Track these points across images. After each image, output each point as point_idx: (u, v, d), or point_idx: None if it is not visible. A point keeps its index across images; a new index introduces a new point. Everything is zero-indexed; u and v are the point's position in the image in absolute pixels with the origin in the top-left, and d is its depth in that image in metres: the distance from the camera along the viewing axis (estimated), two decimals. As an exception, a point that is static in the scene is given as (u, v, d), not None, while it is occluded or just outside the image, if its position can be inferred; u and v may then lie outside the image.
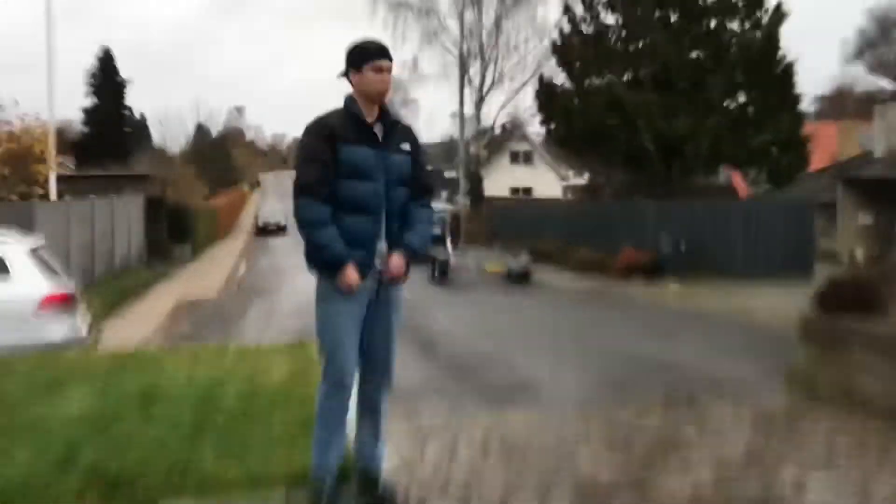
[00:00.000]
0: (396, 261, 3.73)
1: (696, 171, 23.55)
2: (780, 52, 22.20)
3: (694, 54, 22.46)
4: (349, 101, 3.77)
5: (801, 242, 19.22)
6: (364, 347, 3.87)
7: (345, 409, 3.85)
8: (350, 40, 3.85)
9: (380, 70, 3.71)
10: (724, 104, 22.43)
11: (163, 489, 3.88)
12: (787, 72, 22.37)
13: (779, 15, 21.93)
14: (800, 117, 23.14)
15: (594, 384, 7.29)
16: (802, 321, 7.01)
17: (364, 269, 3.71)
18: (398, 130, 3.85)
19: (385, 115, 3.81)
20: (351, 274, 3.61)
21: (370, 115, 3.75)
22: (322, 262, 3.66)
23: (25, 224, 11.86)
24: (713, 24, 22.41)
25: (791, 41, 41.33)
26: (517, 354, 9.08)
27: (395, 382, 4.04)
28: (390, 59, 3.77)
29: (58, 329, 8.26)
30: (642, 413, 5.95)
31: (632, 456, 4.87)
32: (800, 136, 22.50)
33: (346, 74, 3.80)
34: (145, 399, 5.30)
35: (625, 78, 22.78)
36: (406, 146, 3.84)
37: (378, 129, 3.75)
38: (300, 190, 3.65)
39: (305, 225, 3.65)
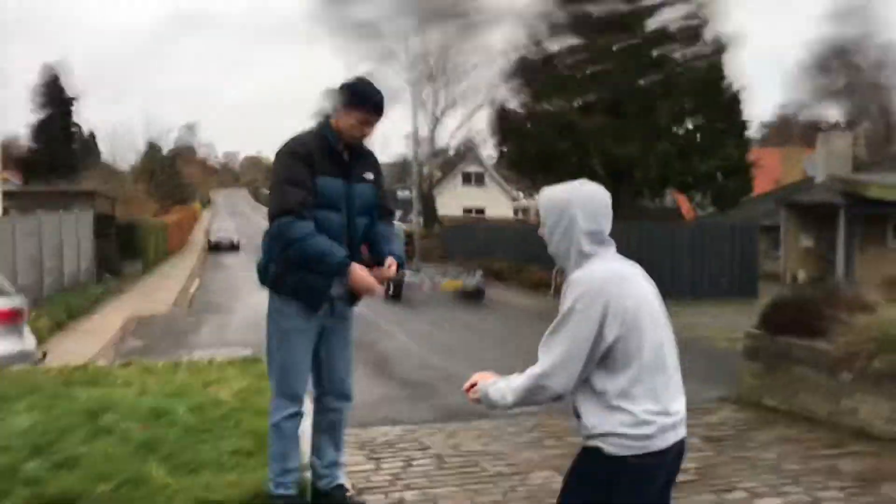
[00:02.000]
0: (392, 265, 3.75)
1: (643, 194, 24.04)
2: (726, 81, 22.79)
3: (643, 81, 22.93)
4: (326, 128, 3.75)
5: (745, 264, 19.70)
6: (320, 362, 3.89)
7: (298, 424, 3.86)
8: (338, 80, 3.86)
9: (367, 123, 3.72)
10: (673, 130, 22.94)
11: (112, 506, 3.83)
12: (734, 99, 22.95)
13: (719, 45, 22.50)
14: (746, 143, 23.78)
15: (554, 404, 7.35)
16: (748, 339, 7.22)
17: (324, 297, 3.73)
18: (362, 158, 3.85)
19: (354, 147, 3.80)
20: (361, 272, 3.57)
21: (339, 147, 3.74)
22: (325, 271, 3.57)
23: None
24: (655, 53, 22.91)
25: (741, 66, 42.38)
26: (469, 373, 9.12)
27: (353, 395, 4.07)
28: (381, 116, 3.77)
29: (3, 345, 8.08)
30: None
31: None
32: (745, 162, 23.10)
33: (334, 105, 3.76)
34: (93, 414, 5.21)
35: (576, 103, 23.14)
36: (370, 175, 3.86)
37: (346, 157, 3.76)
38: (283, 212, 3.55)
39: (296, 240, 3.53)
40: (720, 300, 17.61)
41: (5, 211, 19.48)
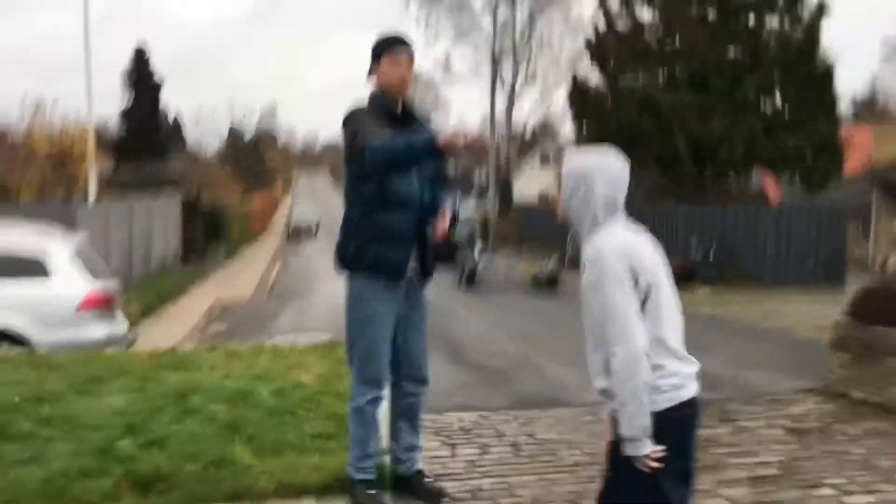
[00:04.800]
0: (444, 215, 3.78)
1: (728, 175, 23.28)
2: (821, 52, 21.84)
3: (731, 53, 22.19)
4: (374, 96, 3.76)
5: (833, 249, 18.95)
6: (398, 348, 3.94)
7: (378, 409, 3.93)
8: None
9: (397, 61, 3.69)
10: (760, 105, 22.13)
11: (198, 485, 3.98)
12: (827, 72, 21.95)
13: (821, 10, 21.52)
14: (837, 120, 22.77)
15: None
16: (835, 329, 6.97)
17: (402, 270, 3.77)
18: (421, 125, 3.84)
19: (408, 112, 3.81)
20: (447, 137, 3.55)
21: (396, 111, 3.76)
22: (420, 152, 3.53)
23: (66, 223, 12.09)
24: (752, 20, 22.10)
25: (831, 40, 40.61)
26: (544, 360, 9.09)
27: (429, 380, 4.11)
28: (408, 49, 3.72)
29: (98, 328, 8.41)
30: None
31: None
32: (836, 140, 22.13)
33: (370, 72, 3.77)
34: (182, 396, 5.42)
35: (660, 78, 22.57)
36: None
37: (404, 122, 3.75)
38: (362, 148, 3.53)
39: (381, 148, 3.49)
40: (805, 287, 17.01)
41: (99, 196, 20.28)
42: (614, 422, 2.49)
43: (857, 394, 6.48)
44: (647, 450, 2.42)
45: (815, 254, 18.71)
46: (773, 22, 22.10)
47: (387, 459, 4.11)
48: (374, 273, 3.75)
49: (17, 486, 3.90)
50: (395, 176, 3.65)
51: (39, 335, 8.01)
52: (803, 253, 18.76)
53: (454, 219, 3.83)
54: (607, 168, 2.58)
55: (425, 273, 3.91)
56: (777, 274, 18.05)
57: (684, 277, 17.86)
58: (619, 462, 2.50)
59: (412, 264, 3.81)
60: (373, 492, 3.84)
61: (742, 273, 17.92)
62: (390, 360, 3.92)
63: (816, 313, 12.06)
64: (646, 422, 2.40)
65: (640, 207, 25.12)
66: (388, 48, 3.71)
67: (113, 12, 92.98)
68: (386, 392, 4.00)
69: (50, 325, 8.11)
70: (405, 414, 4.03)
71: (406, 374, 3.99)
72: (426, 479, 4.11)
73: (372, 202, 3.70)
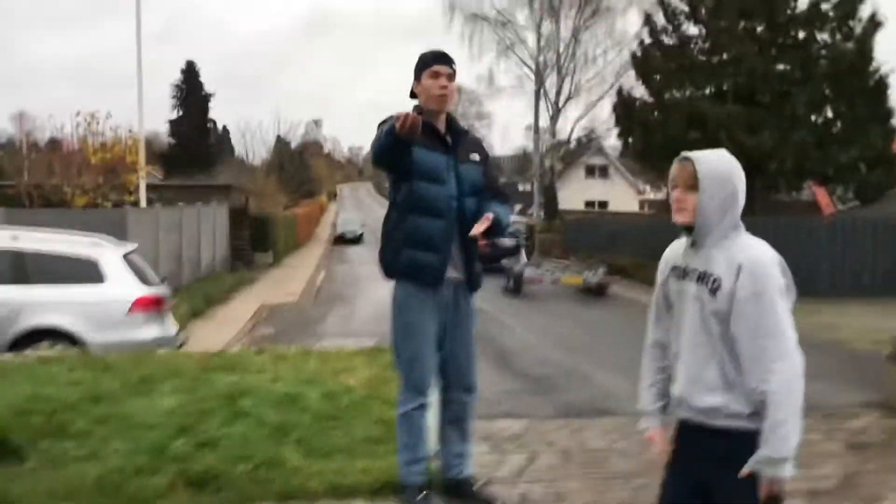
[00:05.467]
0: (485, 219, 3.71)
1: (779, 187, 22.91)
2: (873, 65, 21.41)
3: (780, 66, 21.89)
4: (417, 110, 3.80)
5: (889, 262, 18.47)
6: (445, 356, 3.93)
7: (425, 415, 3.92)
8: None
9: (436, 75, 3.73)
10: (811, 118, 21.77)
11: (249, 485, 4.00)
12: (880, 85, 21.52)
13: (873, 24, 21.14)
14: (891, 132, 22.26)
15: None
16: (894, 343, 6.77)
17: (438, 275, 3.77)
18: (467, 141, 3.90)
19: (453, 126, 3.86)
20: (411, 115, 3.36)
21: (439, 125, 3.81)
22: (390, 141, 3.45)
23: (118, 230, 12.38)
24: (802, 34, 21.80)
25: (883, 52, 39.69)
26: (593, 369, 9.00)
27: (477, 387, 4.09)
28: (449, 65, 3.76)
29: (148, 330, 8.63)
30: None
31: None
32: (890, 152, 21.64)
33: (412, 89, 3.84)
34: (231, 398, 5.47)
35: (706, 91, 22.36)
36: (476, 156, 3.89)
37: (449, 138, 3.81)
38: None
39: (372, 149, 3.64)
40: (862, 300, 16.60)
41: (149, 203, 20.71)
42: (737, 441, 2.32)
43: (919, 409, 6.28)
44: (790, 473, 2.28)
45: (871, 266, 18.27)
46: (823, 36, 21.77)
47: (436, 465, 4.09)
48: (409, 278, 3.77)
49: (76, 482, 3.96)
50: (427, 181, 3.69)
51: (93, 335, 8.24)
52: (859, 265, 18.34)
53: (497, 229, 3.76)
54: (742, 173, 2.48)
55: (471, 283, 3.88)
56: (832, 286, 17.65)
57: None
58: (740, 487, 2.31)
59: (455, 274, 3.79)
60: (422, 496, 3.82)
61: (796, 285, 17.51)
62: (438, 367, 3.91)
63: (873, 326, 11.75)
64: (796, 442, 2.28)
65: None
66: (429, 64, 3.76)
67: (167, 26, 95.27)
68: (432, 398, 3.99)
69: (103, 326, 8.33)
70: (454, 421, 4.02)
71: (454, 382, 3.99)
72: (476, 485, 4.08)
73: (404, 207, 3.76)
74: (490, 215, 3.70)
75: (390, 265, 3.84)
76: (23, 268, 8.49)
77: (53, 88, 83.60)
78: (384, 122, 3.74)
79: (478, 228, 3.67)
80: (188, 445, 4.48)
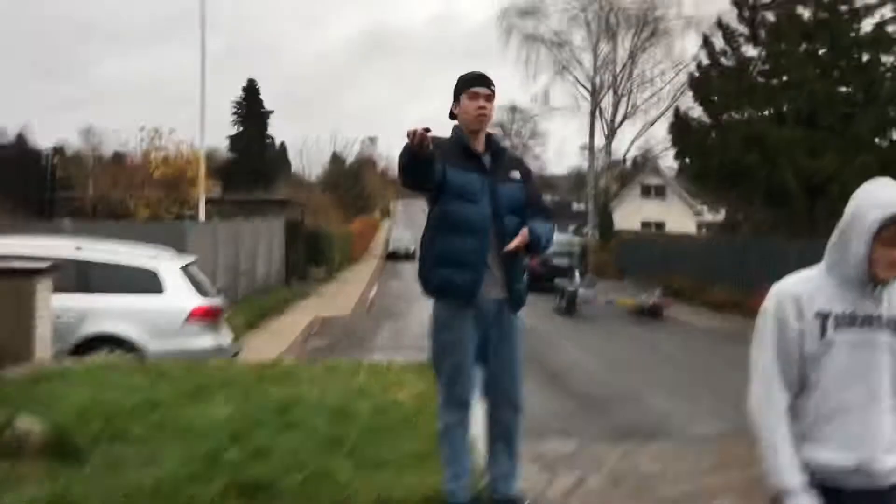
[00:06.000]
0: (521, 236, 3.70)
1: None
2: (943, 85, 20.81)
3: (842, 88, 21.45)
4: (456, 129, 3.85)
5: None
6: (489, 374, 3.91)
7: (467, 430, 3.91)
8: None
9: (476, 96, 3.77)
10: (874, 141, 21.23)
11: (299, 495, 4.04)
12: (949, 106, 20.93)
13: None
14: (959, 157, 21.57)
15: (734, 428, 6.96)
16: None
17: (471, 294, 3.76)
18: (506, 160, 3.91)
19: (492, 146, 3.87)
20: (419, 130, 3.34)
21: (477, 146, 3.82)
22: (407, 158, 3.45)
23: (178, 242, 12.65)
24: (866, 57, 21.35)
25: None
26: (646, 392, 8.87)
27: (523, 405, 4.04)
28: (488, 86, 3.80)
29: (204, 340, 8.78)
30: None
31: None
32: (955, 176, 20.97)
33: (452, 110, 3.88)
34: (283, 411, 5.53)
35: (766, 113, 22.01)
36: (516, 175, 3.88)
37: (486, 160, 3.82)
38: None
39: (398, 161, 3.56)
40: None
41: (208, 216, 21.16)
42: None
43: None
44: None
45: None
46: (888, 58, 21.29)
47: (484, 482, 4.06)
48: (442, 296, 3.78)
49: (133, 486, 4.04)
50: (460, 201, 3.70)
51: (150, 343, 8.43)
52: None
53: (534, 245, 3.75)
54: None
55: (514, 302, 3.87)
56: None
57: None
58: None
59: (497, 293, 3.78)
60: (471, 514, 3.80)
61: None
62: (484, 385, 3.90)
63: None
64: None
65: (750, 240, 24.46)
66: (468, 85, 3.80)
67: (230, 45, 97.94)
68: (473, 414, 3.97)
69: (160, 334, 8.52)
70: (500, 438, 4.00)
71: (500, 401, 3.96)
72: (523, 503, 4.04)
73: (437, 226, 3.78)
74: (526, 231, 3.70)
75: (427, 283, 3.87)
76: (86, 277, 8.74)
77: (121, 105, 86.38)
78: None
79: (513, 245, 3.67)
80: (241, 454, 4.53)
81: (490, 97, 3.79)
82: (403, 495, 4.03)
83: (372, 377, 6.87)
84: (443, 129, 3.84)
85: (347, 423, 5.25)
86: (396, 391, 6.25)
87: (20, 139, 33.20)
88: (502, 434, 3.99)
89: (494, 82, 3.85)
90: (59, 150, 31.16)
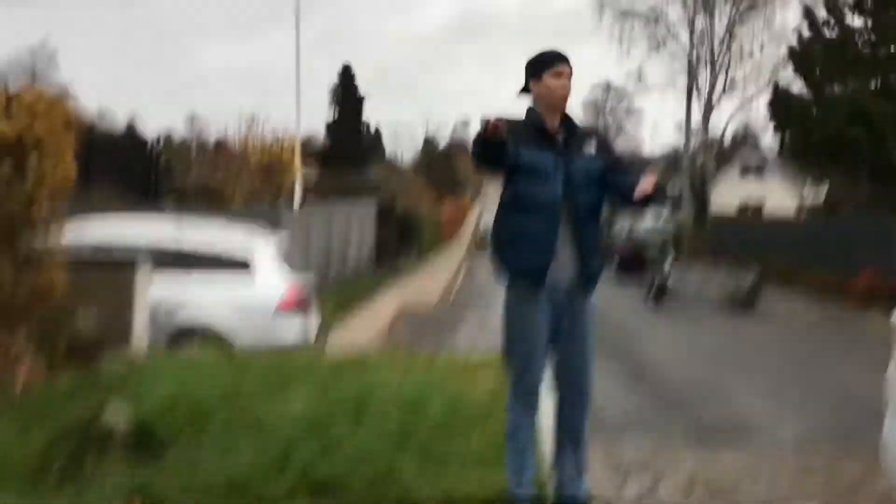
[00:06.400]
0: (650, 178, 3.65)
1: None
2: None
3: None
4: (530, 111, 3.84)
5: None
6: (558, 362, 3.86)
7: (533, 426, 3.87)
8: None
9: (559, 75, 3.76)
10: None
11: (365, 496, 4.11)
12: None
13: None
14: None
15: (821, 431, 6.66)
16: None
17: (541, 275, 3.70)
18: (582, 135, 3.86)
19: (568, 123, 3.83)
20: (492, 121, 3.38)
21: (552, 123, 3.79)
22: (480, 144, 3.50)
23: (273, 228, 12.88)
24: None
25: None
26: (733, 389, 8.59)
27: (593, 405, 3.95)
28: (569, 65, 3.80)
29: (293, 329, 8.78)
30: (870, 468, 5.40)
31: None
32: None
33: (525, 88, 3.85)
34: (358, 404, 5.61)
35: (871, 86, 20.87)
36: (591, 149, 3.83)
37: (560, 138, 3.78)
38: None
39: (472, 147, 3.62)
40: None
41: (303, 202, 21.60)
42: None
43: None
44: None
45: None
46: None
47: (551, 479, 4.03)
48: (514, 279, 3.76)
49: (209, 479, 4.21)
50: (530, 180, 3.67)
51: (241, 330, 8.44)
52: None
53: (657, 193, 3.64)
54: None
55: (587, 282, 3.79)
56: None
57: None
58: None
59: (567, 274, 3.72)
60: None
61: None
62: (553, 374, 3.85)
63: None
64: None
65: (853, 220, 23.29)
66: (552, 64, 3.78)
67: (326, 31, 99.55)
68: (542, 408, 3.93)
69: (252, 321, 8.53)
70: (568, 435, 3.93)
71: (567, 392, 3.89)
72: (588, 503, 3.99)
73: (508, 207, 3.77)
74: (652, 178, 3.65)
75: (497, 264, 3.86)
76: (181, 262, 8.77)
77: (222, 93, 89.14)
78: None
79: (643, 190, 3.59)
80: (312, 450, 4.63)
81: (571, 75, 3.80)
82: (467, 492, 4.05)
83: (448, 370, 6.91)
84: (520, 110, 3.86)
85: (420, 418, 5.29)
86: (471, 386, 6.26)
87: (130, 128, 34.74)
88: (570, 429, 3.91)
89: (584, 62, 3.84)
90: (165, 138, 32.57)
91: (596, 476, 4.78)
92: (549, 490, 4.02)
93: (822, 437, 6.45)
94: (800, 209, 33.56)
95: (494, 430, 5.06)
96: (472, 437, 4.94)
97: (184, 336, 8.44)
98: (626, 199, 3.73)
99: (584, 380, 3.87)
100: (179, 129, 49.48)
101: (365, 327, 14.07)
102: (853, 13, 21.65)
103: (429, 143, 64.83)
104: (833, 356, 11.29)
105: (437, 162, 60.66)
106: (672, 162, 50.14)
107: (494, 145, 3.44)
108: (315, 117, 60.23)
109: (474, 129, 3.67)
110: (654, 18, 38.82)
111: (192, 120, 50.34)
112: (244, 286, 8.75)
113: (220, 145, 29.27)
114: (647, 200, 3.67)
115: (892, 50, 20.64)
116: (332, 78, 59.56)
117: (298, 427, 5.05)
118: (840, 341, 12.99)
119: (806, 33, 22.65)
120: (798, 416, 7.15)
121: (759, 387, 8.34)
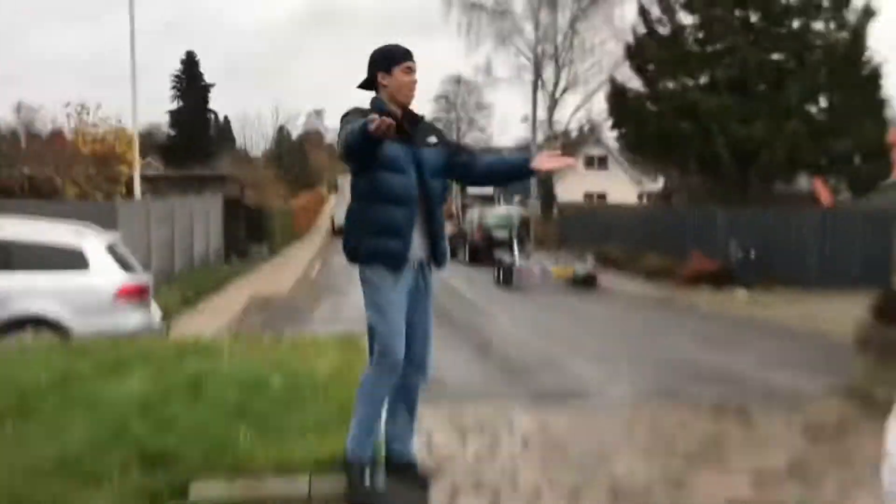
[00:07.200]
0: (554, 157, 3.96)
1: (773, 178, 22.90)
2: (867, 54, 21.37)
3: (774, 56, 21.88)
4: (377, 101, 3.94)
5: (879, 254, 18.44)
6: (406, 337, 4.00)
7: (387, 393, 3.99)
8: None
9: (410, 70, 3.94)
10: (804, 108, 21.74)
11: (199, 467, 4.09)
12: (874, 75, 21.50)
13: (867, 13, 21.10)
14: (884, 123, 22.24)
15: (647, 391, 7.24)
16: (858, 330, 6.86)
17: (402, 259, 3.86)
18: (422, 127, 4.04)
19: (408, 114, 3.98)
20: (385, 119, 3.45)
21: (398, 113, 3.91)
22: (361, 140, 3.55)
23: (108, 221, 12.40)
24: (796, 24, 21.79)
25: (876, 42, 39.58)
26: (571, 358, 9.09)
27: (435, 375, 4.14)
28: (414, 60, 3.98)
29: (132, 318, 8.65)
30: (688, 419, 5.91)
31: (671, 459, 4.86)
32: (884, 143, 21.63)
33: (371, 80, 3.98)
34: (196, 383, 5.54)
35: (700, 81, 22.35)
36: (432, 139, 4.02)
37: (406, 127, 3.91)
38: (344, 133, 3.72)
39: (340, 143, 3.74)
40: (848, 291, 16.60)
41: (143, 195, 20.77)
42: None
43: (880, 394, 6.35)
44: None
45: (860, 258, 18.29)
46: (818, 25, 21.78)
47: (381, 443, 4.16)
48: (375, 262, 3.86)
49: (36, 459, 4.06)
50: (390, 171, 3.79)
51: (76, 322, 8.27)
52: (848, 257, 18.36)
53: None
54: None
55: (438, 261, 4.00)
56: (820, 277, 17.69)
57: (723, 280, 17.65)
58: None
59: (421, 254, 3.90)
60: (367, 473, 3.90)
61: (784, 276, 17.60)
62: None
63: (855, 317, 11.81)
64: None
65: (684, 208, 24.98)
66: (403, 59, 3.94)
67: (169, 20, 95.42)
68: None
69: (86, 313, 8.38)
70: (404, 402, 4.07)
71: (408, 361, 4.03)
72: (423, 465, 4.16)
73: (366, 196, 3.86)
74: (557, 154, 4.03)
75: (354, 250, 3.93)
76: (9, 256, 8.54)
77: (56, 81, 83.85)
78: (346, 114, 3.86)
79: (552, 164, 3.93)
80: (147, 426, 4.56)
81: (416, 70, 3.98)
82: (301, 458, 4.12)
83: (293, 350, 6.91)
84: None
85: (257, 395, 5.29)
86: (314, 363, 6.30)
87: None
88: (407, 397, 4.06)
89: (434, 56, 4.00)
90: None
91: (438, 438, 4.98)
92: (381, 454, 4.15)
93: (649, 396, 6.97)
94: (640, 199, 35.51)
95: (334, 401, 5.15)
96: (311, 410, 4.99)
97: (16, 326, 8.13)
98: (480, 175, 4.16)
99: (425, 351, 4.05)
100: (8, 119, 46.12)
101: (215, 316, 13.76)
102: (684, 11, 22.99)
103: (281, 134, 63.63)
104: (661, 329, 12.14)
105: (289, 153, 59.63)
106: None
107: (377, 143, 3.57)
108: (160, 108, 57.73)
109: (330, 120, 3.70)
110: (501, 12, 39.90)
111: (19, 107, 47.05)
112: (77, 276, 8.54)
113: (54, 136, 27.60)
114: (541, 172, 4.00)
115: (719, 46, 22.10)
116: (176, 65, 57.40)
117: (133, 406, 4.94)
118: (668, 316, 13.98)
119: (641, 30, 23.82)
120: (628, 379, 7.67)
121: (594, 356, 8.86)
